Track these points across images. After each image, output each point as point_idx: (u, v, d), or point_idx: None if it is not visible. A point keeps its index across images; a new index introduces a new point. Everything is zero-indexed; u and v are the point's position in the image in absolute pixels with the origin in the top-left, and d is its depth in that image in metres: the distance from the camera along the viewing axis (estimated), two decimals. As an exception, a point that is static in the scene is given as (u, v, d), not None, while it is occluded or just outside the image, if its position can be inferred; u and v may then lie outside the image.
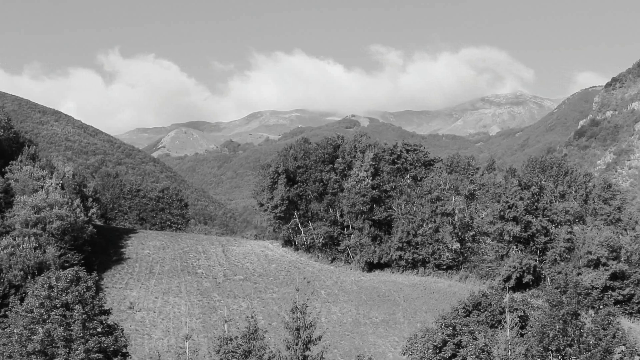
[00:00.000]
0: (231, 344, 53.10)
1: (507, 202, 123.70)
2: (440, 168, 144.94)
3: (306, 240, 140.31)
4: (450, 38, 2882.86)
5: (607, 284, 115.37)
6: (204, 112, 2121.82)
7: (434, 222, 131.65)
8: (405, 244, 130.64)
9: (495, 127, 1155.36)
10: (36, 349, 54.21)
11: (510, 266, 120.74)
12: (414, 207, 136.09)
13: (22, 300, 67.95)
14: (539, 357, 60.27)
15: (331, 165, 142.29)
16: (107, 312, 60.32)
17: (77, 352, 54.41)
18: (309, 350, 53.27)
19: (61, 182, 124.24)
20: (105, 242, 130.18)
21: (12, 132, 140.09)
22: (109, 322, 59.58)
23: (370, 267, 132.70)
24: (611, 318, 62.33)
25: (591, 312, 63.65)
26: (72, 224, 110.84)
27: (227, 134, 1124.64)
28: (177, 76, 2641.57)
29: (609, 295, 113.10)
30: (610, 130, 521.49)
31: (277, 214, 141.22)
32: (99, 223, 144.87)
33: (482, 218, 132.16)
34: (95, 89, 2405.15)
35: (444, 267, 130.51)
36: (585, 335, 60.23)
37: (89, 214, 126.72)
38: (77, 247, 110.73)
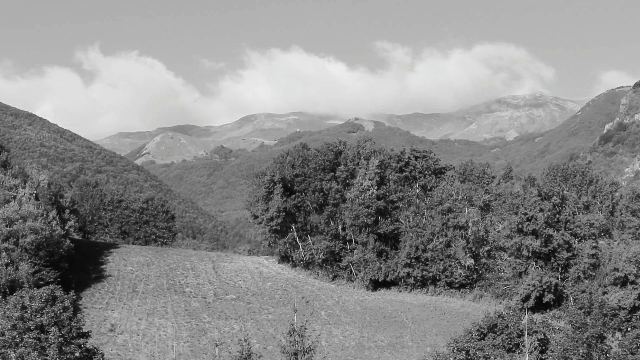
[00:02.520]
0: (222, 370, 53.16)
1: (525, 214, 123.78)
2: (452, 176, 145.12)
3: (305, 255, 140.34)
4: (463, 34, 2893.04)
5: (636, 304, 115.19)
6: (192, 115, 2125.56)
7: (445, 236, 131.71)
8: (413, 260, 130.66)
9: (513, 132, 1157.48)
10: (8, 376, 54.25)
11: (529, 284, 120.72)
12: (424, 220, 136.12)
13: (-8, 321, 67.83)
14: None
15: (332, 174, 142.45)
16: (86, 335, 60.34)
17: (52, 379, 54.43)
18: (308, 376, 53.31)
19: (35, 192, 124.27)
20: (83, 258, 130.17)
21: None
22: (88, 346, 59.59)
23: (375, 285, 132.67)
24: (640, 341, 62.41)
25: (618, 334, 63.80)
26: (48, 238, 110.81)
27: (217, 139, 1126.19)
28: (163, 75, 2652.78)
29: (638, 317, 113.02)
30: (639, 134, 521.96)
31: (273, 227, 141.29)
32: (77, 237, 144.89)
33: (498, 231, 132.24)
34: (74, 90, 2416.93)
35: (457, 285, 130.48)
36: (611, 360, 60.29)
37: (66, 227, 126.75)
38: (53, 263, 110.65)
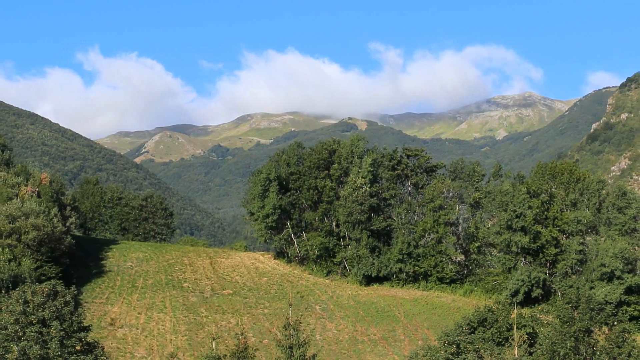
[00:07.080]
0: (219, 363, 53.02)
1: (514, 211, 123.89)
2: (443, 174, 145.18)
3: (300, 251, 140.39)
4: (454, 35, 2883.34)
5: (622, 299, 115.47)
6: (190, 114, 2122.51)
7: (437, 232, 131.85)
8: (405, 256, 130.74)
9: (502, 131, 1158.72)
10: (11, 369, 54.07)
11: (518, 279, 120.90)
12: (415, 217, 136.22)
13: (-5, 316, 67.65)
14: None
15: (326, 172, 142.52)
16: (87, 329, 60.21)
17: (54, 371, 54.30)
18: (303, 369, 53.24)
19: (37, 189, 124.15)
20: (84, 254, 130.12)
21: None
22: (88, 340, 59.48)
23: (369, 280, 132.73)
24: (626, 335, 62.43)
25: (605, 328, 63.83)
26: (49, 234, 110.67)
27: (215, 138, 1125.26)
28: (162, 76, 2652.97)
29: (624, 311, 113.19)
30: (625, 134, 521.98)
31: (269, 224, 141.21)
32: (77, 233, 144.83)
33: (488, 228, 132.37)
34: (74, 90, 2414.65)
35: (447, 280, 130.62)
36: (598, 353, 60.36)
37: (67, 224, 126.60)
38: (54, 259, 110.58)
